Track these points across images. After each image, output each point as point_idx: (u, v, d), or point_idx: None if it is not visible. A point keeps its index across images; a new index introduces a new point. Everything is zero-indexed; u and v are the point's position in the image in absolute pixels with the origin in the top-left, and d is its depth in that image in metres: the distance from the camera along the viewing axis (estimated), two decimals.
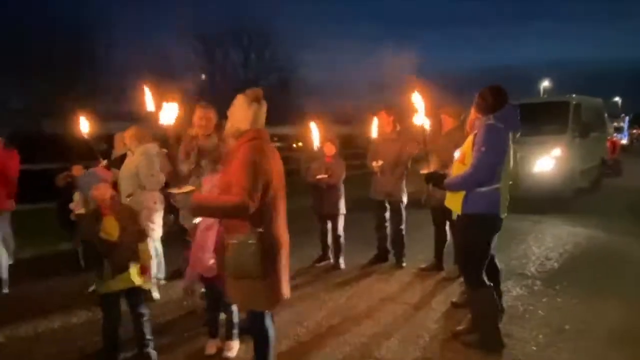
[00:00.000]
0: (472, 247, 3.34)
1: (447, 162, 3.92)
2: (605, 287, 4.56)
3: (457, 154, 3.56)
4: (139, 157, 4.48)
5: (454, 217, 3.56)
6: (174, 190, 2.59)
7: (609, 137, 13.28)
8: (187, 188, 2.51)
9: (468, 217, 3.27)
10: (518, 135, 3.35)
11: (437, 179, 3.50)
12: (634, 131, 31.18)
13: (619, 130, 22.61)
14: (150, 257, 3.46)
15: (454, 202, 3.39)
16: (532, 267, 5.24)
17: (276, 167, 2.57)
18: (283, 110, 18.24)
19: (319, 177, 5.26)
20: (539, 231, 7.00)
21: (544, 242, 6.32)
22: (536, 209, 8.16)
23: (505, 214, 3.32)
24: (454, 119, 4.72)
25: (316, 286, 4.83)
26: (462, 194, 3.28)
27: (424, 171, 3.59)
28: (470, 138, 3.31)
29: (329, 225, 5.49)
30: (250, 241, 2.42)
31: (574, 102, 9.52)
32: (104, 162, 4.98)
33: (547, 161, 8.70)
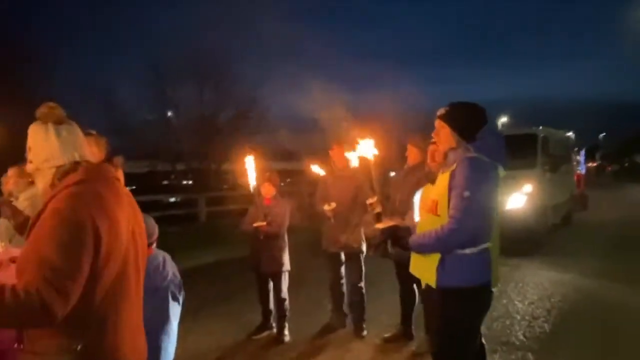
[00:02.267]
0: (453, 330, 2.30)
1: (407, 205, 2.96)
2: (608, 354, 3.63)
3: (417, 197, 2.59)
4: (23, 202, 3.39)
5: (423, 286, 2.54)
6: None
7: (576, 171, 12.93)
8: None
9: (448, 293, 2.25)
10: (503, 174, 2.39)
11: (398, 237, 2.47)
12: (590, 164, 31.85)
13: (577, 163, 22.81)
14: None
15: (424, 270, 2.38)
16: (520, 332, 4.25)
17: (127, 228, 1.48)
18: (239, 146, 17.14)
19: (255, 225, 4.17)
20: (519, 279, 6.09)
21: (527, 295, 5.38)
22: (512, 250, 7.30)
23: (499, 285, 2.35)
24: (422, 152, 3.74)
25: None
26: (435, 258, 2.27)
27: (380, 225, 2.57)
28: (443, 178, 2.31)
29: (271, 284, 4.36)
30: None
31: (542, 135, 8.97)
32: None
33: (518, 198, 7.97)
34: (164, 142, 17.75)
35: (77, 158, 1.51)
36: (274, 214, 4.25)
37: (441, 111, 2.39)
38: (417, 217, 3.05)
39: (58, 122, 1.52)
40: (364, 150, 2.78)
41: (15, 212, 2.83)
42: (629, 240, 8.68)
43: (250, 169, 4.28)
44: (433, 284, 2.29)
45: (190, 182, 20.23)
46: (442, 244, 2.20)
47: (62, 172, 1.48)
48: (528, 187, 8.04)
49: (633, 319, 4.44)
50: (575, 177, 12.12)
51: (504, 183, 7.67)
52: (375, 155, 2.71)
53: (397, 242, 2.52)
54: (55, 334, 1.33)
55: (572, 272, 6.29)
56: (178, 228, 11.06)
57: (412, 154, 3.84)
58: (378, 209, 2.63)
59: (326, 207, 4.19)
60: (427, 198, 3.06)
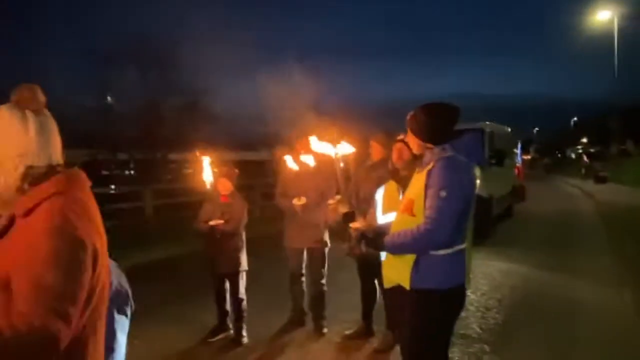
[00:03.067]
0: (428, 333, 2.26)
1: (369, 201, 2.89)
2: (561, 344, 3.80)
3: (379, 194, 2.52)
4: None
5: (390, 285, 2.49)
6: None
7: (516, 164, 13.58)
8: None
9: (422, 294, 2.20)
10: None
11: (373, 237, 2.36)
12: (525, 157, 33.74)
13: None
14: None
15: (397, 271, 2.32)
16: (475, 324, 4.35)
17: (104, 241, 1.27)
18: (187, 135, 16.48)
19: (211, 223, 3.95)
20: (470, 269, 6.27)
21: (478, 286, 5.54)
22: None
23: (470, 283, 2.33)
24: (385, 149, 3.68)
25: None
26: (410, 260, 2.21)
27: (355, 224, 2.46)
28: (420, 177, 2.24)
29: (227, 285, 4.16)
30: None
31: (488, 130, 9.28)
32: None
33: None
34: (104, 130, 16.71)
35: (53, 160, 1.24)
36: (231, 212, 4.05)
37: (408, 116, 2.33)
38: (379, 214, 2.98)
39: (38, 112, 1.23)
40: (328, 147, 2.66)
41: None
42: (567, 228, 9.28)
43: (205, 164, 4.05)
44: (407, 286, 2.24)
45: (133, 172, 19.26)
46: (418, 245, 2.15)
47: (34, 175, 1.20)
48: None
49: (580, 307, 4.69)
50: (515, 170, 12.73)
51: None
52: (341, 154, 2.60)
53: (371, 243, 2.43)
54: None
55: (518, 262, 6.57)
56: (122, 223, 10.45)
57: (376, 151, 3.78)
58: (344, 209, 2.53)
59: (295, 202, 4.04)
60: (393, 196, 3.01)
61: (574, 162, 41.72)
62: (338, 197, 2.59)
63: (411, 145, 2.38)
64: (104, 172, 19.57)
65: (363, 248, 2.57)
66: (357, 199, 3.80)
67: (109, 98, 17.74)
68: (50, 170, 1.22)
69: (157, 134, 17.09)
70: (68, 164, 1.29)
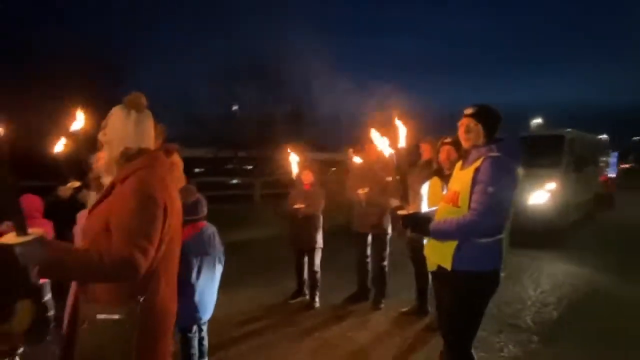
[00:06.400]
0: (464, 312, 2.28)
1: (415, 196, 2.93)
2: (609, 345, 3.44)
3: (424, 188, 2.55)
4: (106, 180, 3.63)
5: (433, 268, 2.52)
6: (10, 241, 1.36)
7: (603, 172, 12.06)
8: (31, 233, 1.42)
9: (461, 275, 2.23)
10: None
11: (418, 223, 2.37)
12: (623, 166, 29.42)
13: (607, 165, 21.21)
14: None
15: (440, 254, 2.33)
16: (528, 317, 4.11)
17: (177, 206, 1.60)
18: (296, 139, 17.45)
19: (295, 206, 4.30)
20: (535, 269, 5.84)
21: (540, 284, 5.17)
22: (534, 243, 7.02)
23: (508, 272, 2.30)
24: (433, 149, 3.67)
25: (282, 332, 3.78)
26: (453, 244, 2.24)
27: (402, 212, 2.55)
28: (467, 172, 2.24)
29: (306, 258, 4.49)
30: (124, 317, 1.42)
31: (569, 137, 8.44)
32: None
33: (541, 194, 7.59)
34: (228, 132, 18.38)
35: (143, 145, 1.60)
36: (312, 198, 4.36)
37: (471, 110, 2.30)
38: (425, 206, 2.99)
39: (139, 110, 1.60)
40: (385, 145, 2.77)
41: (101, 187, 3.10)
42: None
43: (293, 159, 4.41)
44: (449, 267, 2.26)
45: (250, 167, 20.83)
46: (462, 233, 2.17)
47: (128, 155, 1.57)
48: (551, 185, 7.63)
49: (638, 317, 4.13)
50: (601, 178, 11.29)
51: (529, 179, 7.39)
52: (395, 152, 2.70)
53: (417, 228, 2.49)
54: (123, 288, 1.43)
55: (587, 267, 5.94)
56: (235, 206, 11.54)
57: (426, 152, 3.80)
58: (403, 210, 2.60)
59: (360, 192, 4.21)
60: (438, 190, 3.01)
61: None
62: (365, 189, 2.59)
63: (470, 139, 2.29)
64: (228, 166, 21.51)
65: (409, 233, 2.62)
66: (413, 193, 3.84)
67: (235, 107, 19.43)
68: (140, 152, 1.57)
69: (270, 135, 18.30)
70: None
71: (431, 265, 2.55)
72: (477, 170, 2.16)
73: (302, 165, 4.44)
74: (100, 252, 1.37)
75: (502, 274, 2.30)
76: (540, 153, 8.30)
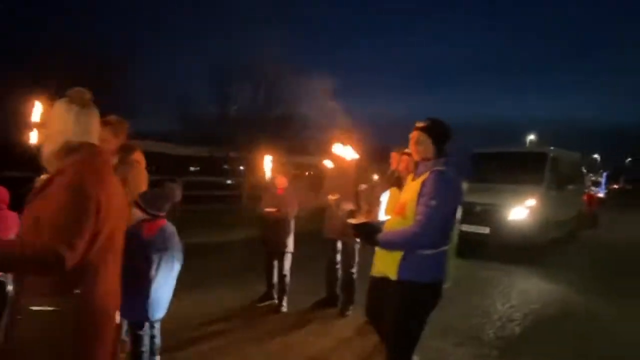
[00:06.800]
0: (406, 322, 2.30)
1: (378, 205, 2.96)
2: None
3: (384, 197, 2.59)
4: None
5: (378, 274, 2.53)
6: None
7: (585, 191, 12.16)
8: None
9: (406, 285, 2.26)
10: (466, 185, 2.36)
11: (369, 233, 2.41)
12: (613, 186, 29.73)
13: (596, 184, 21.39)
14: None
15: (386, 264, 2.37)
16: (491, 331, 4.14)
17: (115, 200, 1.60)
18: (287, 141, 17.49)
19: (267, 209, 4.32)
20: (508, 284, 5.88)
21: (510, 299, 5.20)
22: (509, 258, 7.07)
23: (449, 283, 2.34)
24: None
25: (243, 335, 3.77)
26: (399, 254, 2.27)
27: (353, 221, 2.57)
28: (415, 184, 2.28)
29: (275, 262, 4.49)
30: (57, 309, 1.44)
31: (552, 155, 8.53)
32: None
33: (521, 210, 7.64)
34: (222, 132, 18.43)
35: (85, 140, 1.60)
36: (284, 203, 4.37)
37: (422, 124, 2.34)
38: (382, 214, 3.02)
39: (82, 105, 1.61)
40: (347, 152, 2.81)
41: None
42: (629, 262, 8.11)
43: (267, 163, 4.43)
44: (394, 277, 2.30)
45: (242, 167, 20.85)
46: (407, 244, 2.22)
47: (69, 148, 1.57)
48: (531, 201, 7.69)
49: (607, 339, 4.08)
50: (584, 197, 11.38)
51: (511, 195, 7.47)
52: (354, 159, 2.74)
53: (367, 238, 2.52)
54: (58, 280, 1.44)
55: (560, 284, 5.98)
56: (224, 206, 11.58)
57: (395, 161, 3.84)
58: (349, 207, 2.65)
59: (330, 197, 4.23)
60: (396, 200, 3.05)
61: None
62: (335, 196, 2.66)
63: (419, 152, 2.32)
64: (225, 166, 21.57)
65: (358, 242, 2.63)
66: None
67: (234, 107, 19.53)
68: (81, 146, 1.58)
69: (261, 137, 18.34)
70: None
71: (376, 272, 2.56)
72: (423, 183, 2.20)
73: (276, 170, 4.46)
74: (24, 243, 1.38)
75: (444, 286, 2.33)
76: (522, 169, 8.40)
